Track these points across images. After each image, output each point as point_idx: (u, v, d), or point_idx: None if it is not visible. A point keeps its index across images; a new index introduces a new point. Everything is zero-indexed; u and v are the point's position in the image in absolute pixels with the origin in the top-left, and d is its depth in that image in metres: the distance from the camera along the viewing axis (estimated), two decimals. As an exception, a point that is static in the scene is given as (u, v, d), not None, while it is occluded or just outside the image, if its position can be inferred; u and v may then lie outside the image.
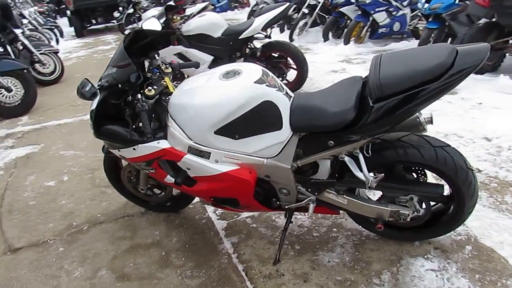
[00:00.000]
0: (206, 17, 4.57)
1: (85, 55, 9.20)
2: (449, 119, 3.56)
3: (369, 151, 1.75)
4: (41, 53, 6.27)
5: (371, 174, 1.86)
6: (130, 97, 1.91)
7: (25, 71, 5.01)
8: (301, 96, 1.86)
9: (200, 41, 4.54)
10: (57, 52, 6.69)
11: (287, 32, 8.49)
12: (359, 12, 6.82)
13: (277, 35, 9.01)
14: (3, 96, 4.81)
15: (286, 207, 2.03)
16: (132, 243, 2.33)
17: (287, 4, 4.28)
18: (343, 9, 7.10)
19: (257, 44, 4.71)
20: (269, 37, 4.62)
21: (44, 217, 2.70)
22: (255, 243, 2.23)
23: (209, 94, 1.82)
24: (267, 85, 1.79)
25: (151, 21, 2.28)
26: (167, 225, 2.47)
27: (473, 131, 3.25)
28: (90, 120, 1.97)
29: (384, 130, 1.65)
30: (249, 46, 4.54)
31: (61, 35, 11.64)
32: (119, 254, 2.25)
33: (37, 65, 6.32)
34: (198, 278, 2.02)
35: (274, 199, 2.03)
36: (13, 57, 5.74)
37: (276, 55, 4.62)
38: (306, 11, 7.97)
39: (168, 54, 4.63)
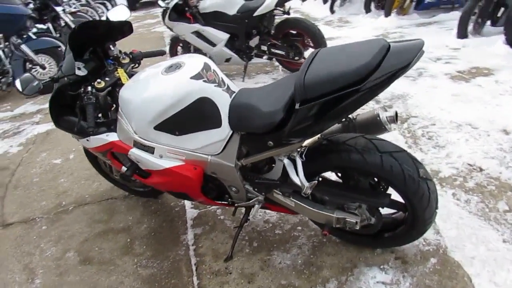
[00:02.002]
0: (222, -6, 4.43)
1: (131, 29, 9.46)
2: (470, 106, 3.18)
3: (303, 156, 1.61)
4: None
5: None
6: (82, 89, 1.92)
7: (58, 48, 5.26)
8: (243, 93, 1.75)
9: (216, 18, 4.43)
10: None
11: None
12: (405, -20, 6.25)
13: (320, 6, 8.60)
14: (37, 73, 5.12)
15: (236, 204, 1.96)
16: (105, 227, 2.42)
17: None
18: (387, -23, 6.54)
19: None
20: (288, 13, 4.39)
21: (41, 194, 2.88)
22: (216, 236, 2.20)
23: (149, 88, 1.77)
24: (204, 81, 1.69)
25: (118, 9, 2.24)
26: (143, 211, 2.52)
27: (493, 122, 2.88)
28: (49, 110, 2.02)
29: (311, 135, 1.50)
30: (264, 23, 4.35)
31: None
32: (91, 237, 2.35)
33: (79, 42, 6.60)
34: (151, 268, 2.05)
35: (227, 196, 1.98)
36: (54, 34, 6.06)
37: (294, 32, 4.39)
38: (349, -21, 7.47)
39: (185, 32, 4.63)
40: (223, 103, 1.70)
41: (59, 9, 6.33)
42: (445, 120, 3.00)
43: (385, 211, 1.82)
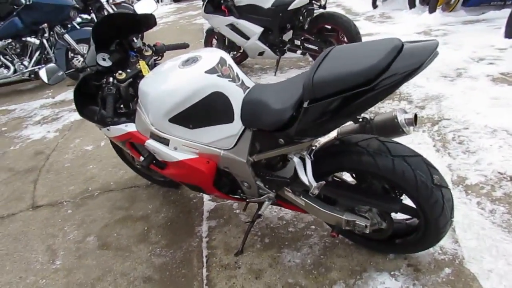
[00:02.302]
0: (257, -13, 4.42)
1: (172, 21, 9.67)
2: (509, 110, 2.99)
3: (312, 155, 1.58)
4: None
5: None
6: (105, 79, 1.98)
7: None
8: (257, 89, 1.74)
9: (250, 11, 4.43)
10: (138, 20, 7.12)
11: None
12: (450, -25, 5.96)
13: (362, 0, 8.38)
14: (79, 62, 5.34)
15: (247, 200, 1.97)
16: (125, 214, 2.50)
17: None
18: (431, -29, 6.25)
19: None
20: (324, 7, 4.31)
21: (70, 179, 3.01)
22: (230, 230, 2.22)
23: (166, 81, 1.80)
24: (218, 75, 1.70)
25: (145, 2, 2.29)
26: (162, 200, 2.58)
27: (533, 129, 2.70)
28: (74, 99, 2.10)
29: (320, 134, 1.48)
30: (299, 17, 4.30)
31: (159, 0, 12.38)
32: (111, 223, 2.44)
33: (119, 32, 6.83)
34: (164, 257, 2.10)
35: (239, 191, 1.98)
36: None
37: (328, 27, 4.31)
38: (392, -27, 7.22)
39: (220, 25, 4.67)
40: (236, 98, 1.70)
41: (103, 0, 6.56)
42: (480, 125, 2.84)
43: (399, 216, 1.77)
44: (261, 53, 4.61)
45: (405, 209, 1.65)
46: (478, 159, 2.46)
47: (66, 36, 5.17)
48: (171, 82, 1.77)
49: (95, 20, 6.57)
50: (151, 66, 2.10)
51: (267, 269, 1.91)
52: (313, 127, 1.42)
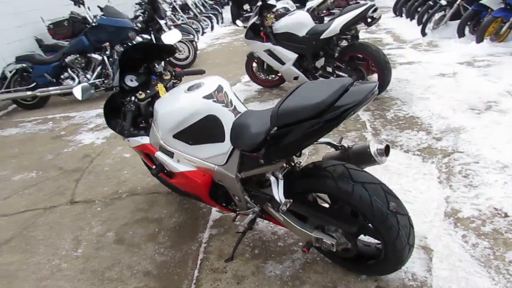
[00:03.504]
0: (294, 16, 4.69)
1: (227, 42, 10.20)
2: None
3: (280, 175, 1.78)
4: (178, 41, 7.32)
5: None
6: (128, 97, 2.33)
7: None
8: (246, 114, 1.98)
9: (286, 39, 4.71)
10: (193, 41, 7.69)
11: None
12: (502, 5, 5.82)
13: (414, 27, 8.32)
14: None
15: (237, 211, 2.19)
16: (143, 216, 2.82)
17: (369, 4, 4.06)
18: (484, 1, 6.14)
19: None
20: (357, 37, 4.48)
21: (106, 181, 3.43)
22: (227, 238, 2.45)
23: (173, 102, 2.11)
24: (214, 101, 1.98)
25: (172, 33, 2.63)
26: (177, 207, 2.88)
27: (547, 168, 2.66)
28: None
29: (283, 157, 1.68)
30: (330, 46, 4.49)
31: (219, 22, 13.09)
32: (130, 222, 2.77)
33: (174, 51, 7.42)
34: (166, 256, 2.37)
35: (233, 203, 2.22)
36: (154, 44, 6.91)
37: (360, 56, 4.45)
38: (444, 2, 7.15)
39: (258, 50, 4.99)
40: (227, 121, 1.96)
41: (162, 22, 7.18)
42: (491, 160, 2.84)
43: (369, 239, 1.91)
44: (296, 78, 4.85)
45: (368, 231, 1.79)
46: (477, 194, 2.49)
47: (124, 54, 5.77)
48: (176, 104, 2.07)
49: (153, 40, 7.21)
50: (169, 88, 2.43)
51: (249, 277, 2.11)
52: (277, 150, 1.63)
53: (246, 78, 5.81)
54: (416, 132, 3.48)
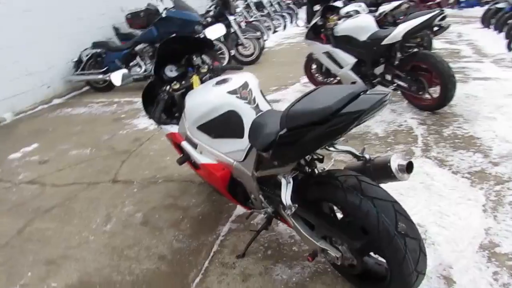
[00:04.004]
0: (357, 19, 4.53)
1: (296, 42, 10.14)
2: None
3: (290, 178, 1.73)
4: (245, 38, 7.46)
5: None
6: (164, 87, 2.41)
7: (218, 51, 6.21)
8: (267, 113, 1.96)
9: (346, 42, 4.56)
10: (259, 38, 7.76)
11: None
12: None
13: (501, 40, 7.64)
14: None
15: (251, 209, 2.18)
16: (172, 202, 2.92)
17: (437, 11, 3.78)
18: None
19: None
20: (422, 46, 4.21)
21: (148, 165, 3.59)
22: (244, 235, 2.44)
23: (202, 95, 2.15)
24: (237, 96, 1.98)
25: (216, 27, 2.66)
26: (205, 198, 2.93)
27: None
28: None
29: (287, 161, 1.63)
30: (391, 53, 4.27)
31: (293, 21, 13.09)
32: (158, 206, 2.88)
33: (239, 47, 7.56)
34: (182, 243, 2.43)
35: (250, 201, 2.21)
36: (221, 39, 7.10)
37: (423, 66, 4.18)
38: (535, 15, 6.48)
39: (317, 51, 4.91)
40: (248, 118, 1.95)
41: (231, 18, 7.35)
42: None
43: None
44: (353, 83, 4.68)
45: (377, 250, 1.68)
46: (524, 229, 2.23)
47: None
48: (203, 97, 2.11)
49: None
50: (205, 82, 2.47)
51: (256, 276, 2.09)
52: (282, 152, 1.59)
53: (306, 79, 5.74)
54: (472, 154, 3.19)
